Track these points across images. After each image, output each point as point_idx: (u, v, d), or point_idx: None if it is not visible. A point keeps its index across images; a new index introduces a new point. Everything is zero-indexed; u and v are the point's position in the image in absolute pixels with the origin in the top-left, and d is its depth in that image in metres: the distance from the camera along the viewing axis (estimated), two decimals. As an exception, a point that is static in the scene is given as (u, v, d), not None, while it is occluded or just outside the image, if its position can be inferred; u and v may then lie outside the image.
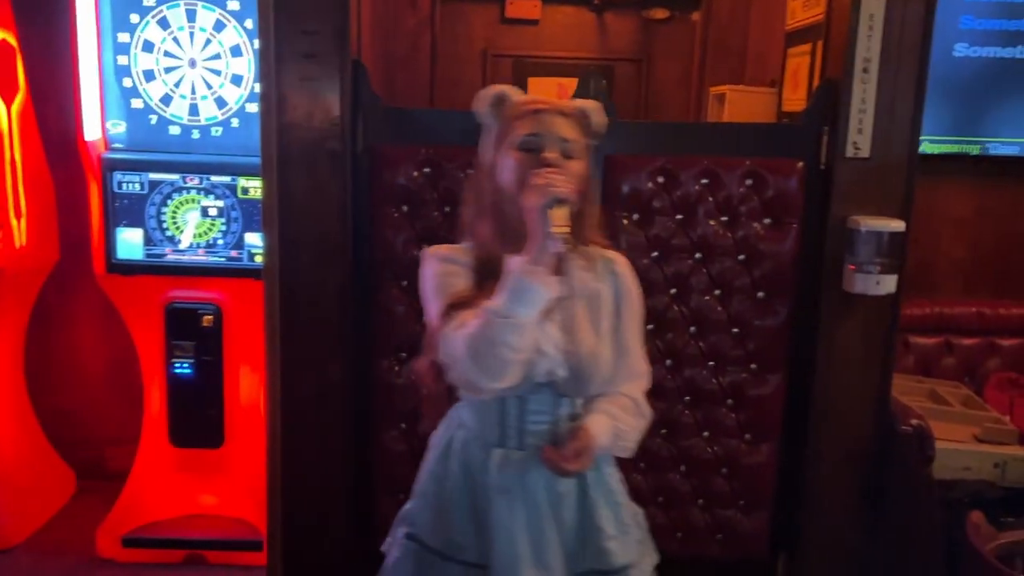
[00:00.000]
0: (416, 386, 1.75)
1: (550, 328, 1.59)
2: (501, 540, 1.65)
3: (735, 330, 2.45)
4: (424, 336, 1.68)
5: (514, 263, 1.45)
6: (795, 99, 3.19)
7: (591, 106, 1.69)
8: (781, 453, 2.53)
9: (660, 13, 4.78)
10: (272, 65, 2.27)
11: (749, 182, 2.40)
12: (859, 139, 2.35)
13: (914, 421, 2.47)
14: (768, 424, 2.51)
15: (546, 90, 4.71)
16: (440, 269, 1.63)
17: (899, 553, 2.53)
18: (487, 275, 1.55)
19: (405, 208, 2.38)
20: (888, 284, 2.33)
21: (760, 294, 2.43)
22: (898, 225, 2.32)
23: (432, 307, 1.61)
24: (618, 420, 1.69)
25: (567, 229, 1.44)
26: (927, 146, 3.25)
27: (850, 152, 2.36)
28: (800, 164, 2.39)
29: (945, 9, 3.11)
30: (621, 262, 1.77)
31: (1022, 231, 3.45)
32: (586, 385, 1.66)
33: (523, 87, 4.83)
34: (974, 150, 3.35)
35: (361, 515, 2.54)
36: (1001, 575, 1.84)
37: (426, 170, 2.36)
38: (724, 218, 2.41)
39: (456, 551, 1.71)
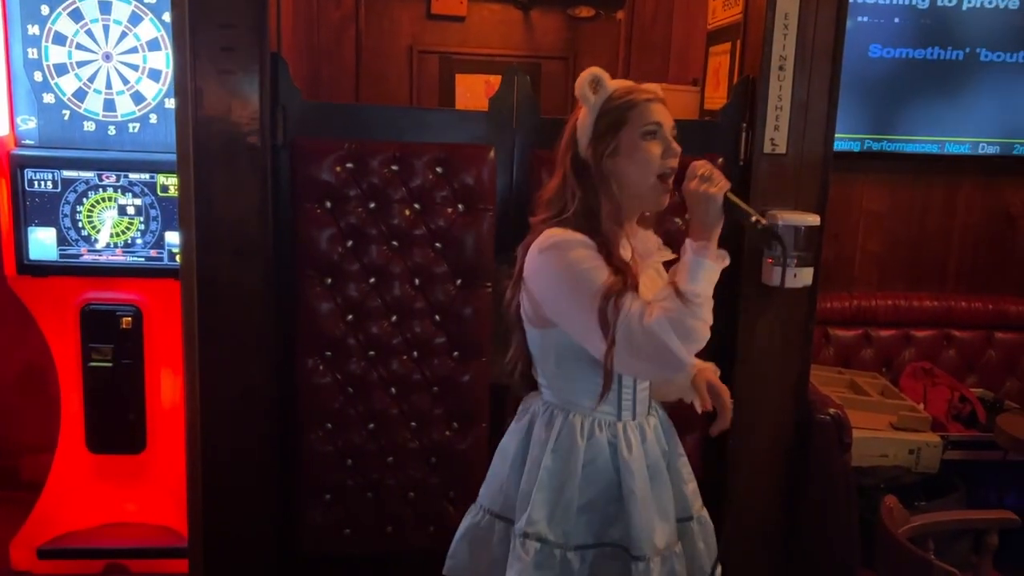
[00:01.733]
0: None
1: None
2: (636, 506, 1.73)
3: (659, 324, 2.48)
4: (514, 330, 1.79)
5: (691, 247, 1.61)
6: (716, 97, 3.23)
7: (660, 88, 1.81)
8: (705, 445, 2.57)
9: (585, 11, 4.80)
10: (188, 59, 2.22)
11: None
12: (776, 136, 2.41)
13: (831, 410, 2.54)
14: (691, 416, 2.54)
15: (474, 87, 4.70)
16: (576, 257, 1.63)
17: (818, 537, 2.60)
18: (608, 253, 1.65)
19: (328, 204, 2.35)
20: (805, 276, 2.39)
21: (683, 288, 2.47)
22: (813, 219, 2.38)
23: (583, 296, 1.61)
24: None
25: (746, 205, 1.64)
26: (844, 143, 3.34)
27: (768, 148, 2.42)
28: (720, 160, 2.43)
29: (860, 12, 3.22)
30: None
31: (933, 225, 3.59)
32: None
33: (450, 84, 4.83)
34: (889, 147, 3.45)
35: (286, 517, 2.50)
36: (912, 555, 1.90)
37: (349, 165, 2.34)
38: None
39: (573, 538, 1.74)
